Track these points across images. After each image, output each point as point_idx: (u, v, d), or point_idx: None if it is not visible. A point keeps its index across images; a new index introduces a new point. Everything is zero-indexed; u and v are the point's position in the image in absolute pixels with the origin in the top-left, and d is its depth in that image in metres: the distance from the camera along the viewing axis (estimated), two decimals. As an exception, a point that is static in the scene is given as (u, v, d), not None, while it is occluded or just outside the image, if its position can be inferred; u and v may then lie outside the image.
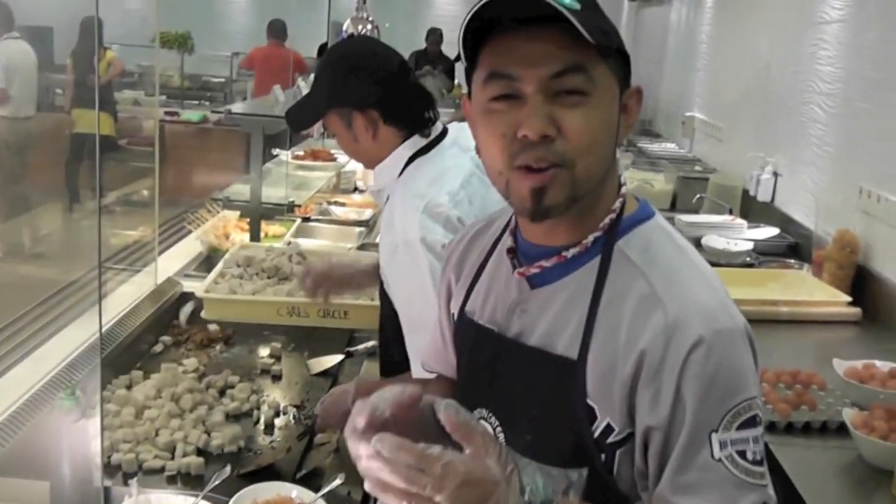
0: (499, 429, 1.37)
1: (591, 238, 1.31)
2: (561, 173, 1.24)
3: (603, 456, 1.27)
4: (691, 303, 1.24)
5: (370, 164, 2.38)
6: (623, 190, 1.36)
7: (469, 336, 1.46)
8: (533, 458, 1.30)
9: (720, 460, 1.19)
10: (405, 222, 2.16)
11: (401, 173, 2.29)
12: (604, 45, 1.23)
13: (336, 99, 2.29)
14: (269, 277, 3.16)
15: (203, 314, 2.98)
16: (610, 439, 1.26)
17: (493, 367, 1.39)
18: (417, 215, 2.13)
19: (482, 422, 1.37)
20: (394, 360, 2.31)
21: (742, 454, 1.20)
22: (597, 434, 1.26)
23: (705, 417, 1.20)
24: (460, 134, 2.35)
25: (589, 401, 1.26)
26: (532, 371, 1.33)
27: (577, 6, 1.21)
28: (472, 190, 2.21)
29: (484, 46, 1.27)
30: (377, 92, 2.24)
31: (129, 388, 2.65)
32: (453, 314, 1.54)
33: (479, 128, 1.30)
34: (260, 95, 8.86)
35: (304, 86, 4.60)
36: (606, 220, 1.32)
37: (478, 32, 1.26)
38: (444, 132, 2.37)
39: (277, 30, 10.37)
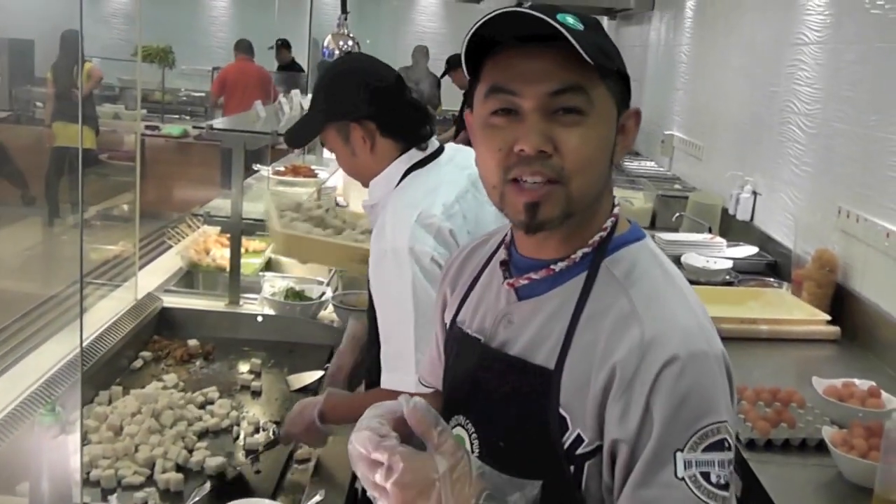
0: (474, 435, 1.38)
1: (579, 253, 1.33)
2: (556, 190, 1.26)
3: (572, 468, 1.27)
4: (669, 323, 1.26)
5: (367, 178, 2.37)
6: (616, 210, 1.38)
7: (456, 345, 1.49)
8: (503, 466, 1.28)
9: (683, 479, 1.19)
10: (396, 230, 2.15)
11: (396, 186, 2.29)
12: (603, 66, 1.25)
13: (333, 112, 2.30)
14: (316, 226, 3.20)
15: (273, 251, 2.95)
16: (579, 450, 1.27)
17: (475, 376, 1.41)
18: (410, 224, 2.13)
19: (458, 427, 1.40)
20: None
21: (706, 476, 1.20)
22: (567, 445, 1.27)
23: (672, 436, 1.20)
24: (458, 153, 2.38)
25: (561, 410, 1.27)
26: (511, 379, 1.34)
27: (581, 27, 1.24)
28: (466, 205, 2.23)
29: (487, 61, 1.30)
30: (374, 104, 2.26)
31: (108, 403, 2.63)
32: (446, 324, 1.56)
33: (478, 141, 1.33)
34: (233, 112, 8.84)
35: (284, 102, 4.61)
36: (596, 238, 1.34)
37: (481, 47, 1.28)
38: (441, 149, 2.39)
39: (245, 48, 10.36)
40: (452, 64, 9.27)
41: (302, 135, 2.49)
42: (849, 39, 4.16)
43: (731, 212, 5.38)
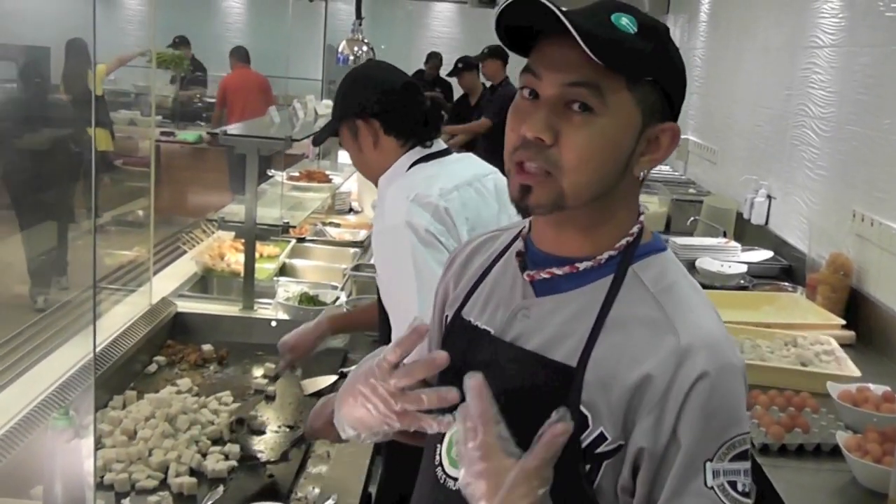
0: None
1: (605, 255, 1.33)
2: (547, 180, 1.27)
3: (588, 466, 1.28)
4: (703, 334, 1.27)
5: (374, 175, 2.53)
6: (642, 217, 1.38)
7: (463, 338, 1.47)
8: None
9: (712, 488, 1.22)
10: (393, 210, 2.30)
11: None
12: (622, 68, 1.25)
13: (344, 111, 2.50)
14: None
15: None
16: (600, 449, 1.27)
17: (483, 369, 1.36)
18: (406, 203, 2.26)
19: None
20: None
21: (733, 485, 1.24)
22: (586, 443, 1.27)
23: (703, 447, 1.23)
24: (466, 157, 2.60)
25: (582, 408, 1.27)
26: (526, 375, 1.34)
27: (632, 29, 1.26)
28: (466, 195, 2.35)
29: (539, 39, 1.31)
30: (379, 104, 2.43)
31: (122, 408, 2.64)
32: (447, 316, 1.54)
33: (508, 115, 1.34)
34: (236, 121, 8.82)
35: (299, 107, 4.62)
36: (623, 242, 1.34)
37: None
38: (448, 151, 2.54)
39: (243, 56, 10.26)
40: (462, 65, 9.08)
41: (321, 135, 2.70)
42: (863, 42, 4.15)
43: (745, 216, 5.37)
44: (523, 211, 1.32)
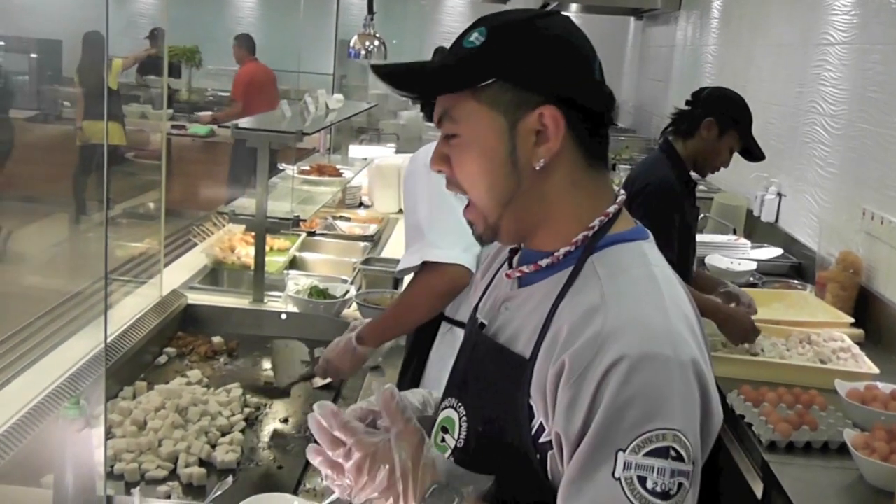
0: (464, 418, 1.42)
1: (562, 251, 1.35)
2: (473, 209, 1.39)
3: (538, 456, 1.29)
4: (632, 320, 1.23)
5: None
6: (611, 208, 1.36)
7: (467, 329, 1.56)
8: (481, 450, 1.37)
9: (619, 479, 1.17)
10: (420, 154, 2.69)
11: None
12: (457, 84, 1.33)
13: None
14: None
15: None
16: (542, 439, 1.28)
17: (469, 360, 1.46)
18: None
19: (450, 409, 1.47)
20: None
21: (642, 480, 1.18)
22: (533, 432, 1.29)
23: (615, 434, 1.18)
24: None
25: (530, 400, 1.30)
26: (494, 366, 1.39)
27: (479, 42, 1.33)
28: None
29: None
30: None
31: (133, 398, 2.66)
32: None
33: None
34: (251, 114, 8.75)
35: (310, 101, 4.62)
36: (580, 236, 1.34)
37: None
38: None
39: (252, 47, 10.07)
40: None
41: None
42: (875, 40, 4.14)
43: (755, 213, 5.37)
44: (479, 240, 1.43)
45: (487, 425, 1.36)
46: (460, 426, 1.42)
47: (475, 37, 1.32)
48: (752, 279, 4.44)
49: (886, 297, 3.73)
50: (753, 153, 3.49)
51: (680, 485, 1.19)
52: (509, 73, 1.31)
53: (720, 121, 3.36)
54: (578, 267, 1.33)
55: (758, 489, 2.64)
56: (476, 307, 1.55)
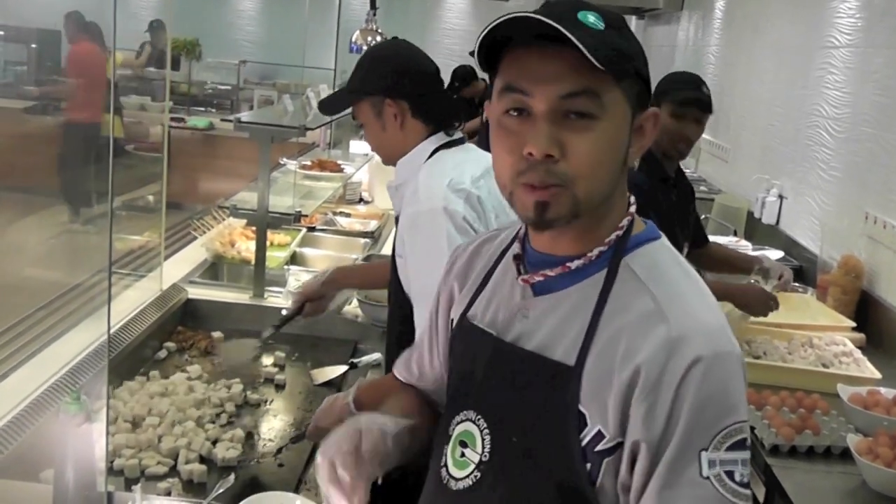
0: (485, 431, 1.37)
1: (595, 251, 1.33)
2: (562, 192, 1.26)
3: (588, 465, 1.27)
4: (694, 321, 1.26)
5: (393, 156, 2.49)
6: (632, 209, 1.37)
7: (467, 340, 1.48)
8: (518, 461, 1.32)
9: (708, 478, 1.20)
10: (430, 193, 2.29)
11: (424, 163, 2.41)
12: (619, 70, 1.24)
13: (371, 86, 2.43)
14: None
15: None
16: (599, 447, 1.26)
17: (487, 370, 1.40)
18: (442, 188, 2.26)
19: (467, 423, 1.42)
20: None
21: (730, 475, 1.21)
22: (585, 441, 1.27)
23: (697, 435, 1.21)
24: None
25: (580, 407, 1.27)
26: (525, 375, 1.34)
27: (601, 25, 1.24)
28: (491, 183, 2.29)
29: (505, 56, 1.29)
30: (409, 86, 2.40)
31: (132, 393, 2.64)
32: (452, 320, 1.55)
33: (493, 138, 1.33)
34: (85, 105, 8.43)
35: (312, 96, 4.61)
36: (613, 236, 1.34)
37: (499, 41, 1.28)
38: (463, 140, 2.52)
39: (84, 23, 8.77)
40: (459, 84, 8.52)
41: (336, 104, 2.60)
42: (879, 43, 4.13)
43: (756, 215, 5.36)
44: (542, 226, 1.32)
45: (524, 436, 1.32)
46: (482, 439, 1.38)
47: (593, 20, 1.24)
48: (752, 281, 4.42)
49: (888, 302, 3.73)
50: (698, 103, 3.33)
51: (750, 473, 1.24)
52: (643, 66, 1.32)
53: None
54: (613, 269, 1.32)
55: (760, 493, 2.63)
56: (466, 312, 1.49)
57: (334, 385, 2.89)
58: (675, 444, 1.21)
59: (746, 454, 1.24)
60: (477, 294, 1.49)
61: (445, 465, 1.42)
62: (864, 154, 4.16)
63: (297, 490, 2.19)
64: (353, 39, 6.75)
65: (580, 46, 1.18)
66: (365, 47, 6.60)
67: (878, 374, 3.13)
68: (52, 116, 9.70)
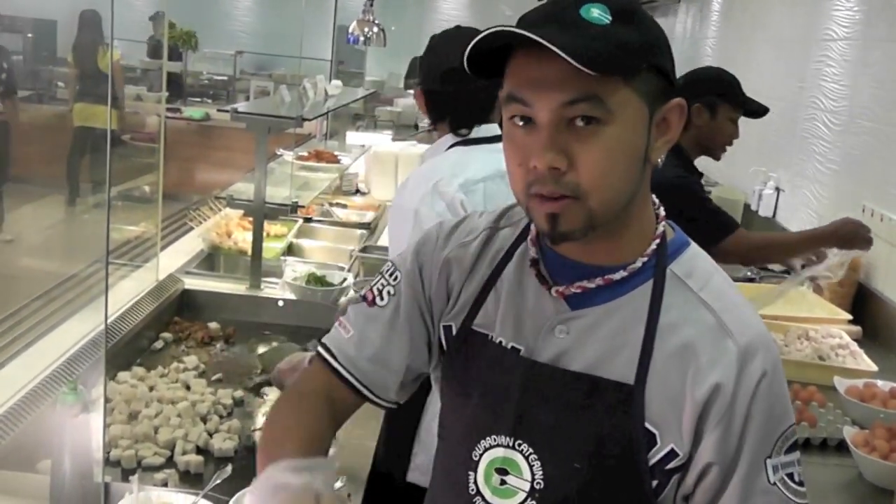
0: (533, 457, 1.28)
1: (639, 262, 1.26)
2: (574, 204, 1.18)
3: (655, 482, 1.24)
4: (753, 333, 1.24)
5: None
6: (662, 210, 1.31)
7: (482, 355, 1.35)
8: (586, 487, 1.26)
9: (775, 484, 1.22)
10: (413, 190, 2.29)
11: None
12: (622, 69, 1.15)
13: (422, 77, 2.48)
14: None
15: None
16: (671, 465, 1.23)
17: (523, 394, 1.29)
18: (426, 188, 2.24)
19: (500, 448, 1.31)
20: None
21: (791, 476, 1.23)
22: (655, 459, 1.23)
23: (763, 446, 1.22)
24: None
25: (648, 425, 1.22)
26: (578, 397, 1.26)
27: (605, 19, 1.14)
28: (493, 188, 2.28)
29: (510, 61, 1.20)
30: (439, 80, 2.37)
31: (128, 384, 2.64)
32: (450, 326, 1.41)
33: (504, 148, 1.25)
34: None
35: (309, 87, 4.60)
36: (653, 245, 1.27)
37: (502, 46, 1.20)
38: (499, 137, 2.41)
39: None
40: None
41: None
42: (878, 36, 4.13)
43: (753, 208, 5.36)
44: (556, 240, 1.23)
45: (586, 461, 1.25)
46: (530, 466, 1.28)
47: (597, 14, 1.14)
48: (749, 273, 4.42)
49: (885, 295, 3.73)
50: (757, 112, 3.42)
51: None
52: (658, 57, 1.21)
53: (706, 103, 3.31)
54: (659, 279, 1.26)
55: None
56: (469, 321, 1.37)
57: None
58: (745, 460, 1.21)
59: (799, 453, 1.26)
60: (481, 300, 1.37)
61: (479, 494, 1.33)
62: (861, 147, 4.16)
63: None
64: (351, 30, 6.73)
65: (565, 56, 1.09)
66: (362, 39, 6.59)
67: (874, 367, 3.13)
68: (49, 105, 9.68)
